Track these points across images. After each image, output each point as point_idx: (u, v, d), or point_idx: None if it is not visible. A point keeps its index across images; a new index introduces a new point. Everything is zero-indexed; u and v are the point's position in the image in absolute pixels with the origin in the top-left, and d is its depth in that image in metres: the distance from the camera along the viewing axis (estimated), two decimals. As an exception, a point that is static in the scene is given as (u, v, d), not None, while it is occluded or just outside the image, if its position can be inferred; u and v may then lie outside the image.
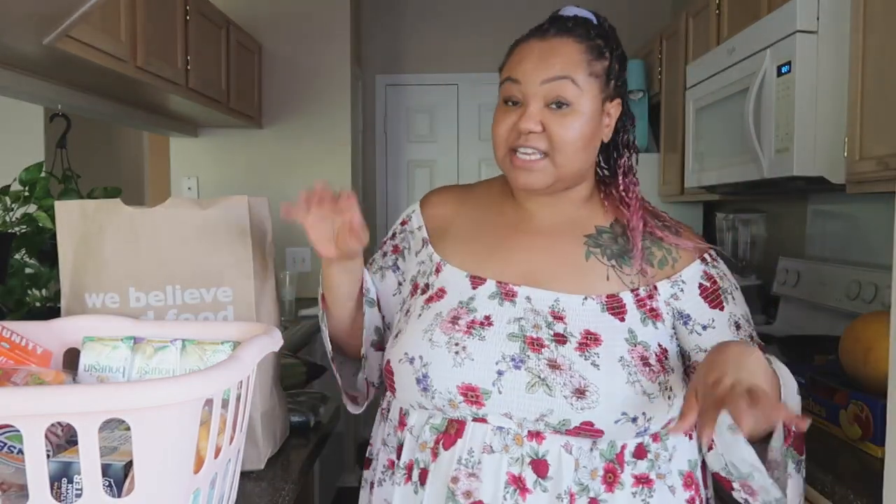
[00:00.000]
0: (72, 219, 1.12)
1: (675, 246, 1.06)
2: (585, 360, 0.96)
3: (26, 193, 1.64)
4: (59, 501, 0.73)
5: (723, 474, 0.90)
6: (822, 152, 1.70)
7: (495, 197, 1.15)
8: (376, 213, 4.14)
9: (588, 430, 0.95)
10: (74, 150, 2.23)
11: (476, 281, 1.05)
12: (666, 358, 1.01)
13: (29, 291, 1.67)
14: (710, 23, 2.49)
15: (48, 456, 0.70)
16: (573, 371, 0.95)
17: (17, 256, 1.66)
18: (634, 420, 0.96)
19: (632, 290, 1.03)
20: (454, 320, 1.01)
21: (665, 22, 3.58)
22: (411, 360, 1.01)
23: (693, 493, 1.03)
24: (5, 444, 0.79)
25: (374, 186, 4.19)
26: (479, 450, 0.97)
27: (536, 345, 0.98)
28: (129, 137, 3.53)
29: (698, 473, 1.05)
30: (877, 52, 1.53)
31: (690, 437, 1.05)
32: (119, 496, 0.72)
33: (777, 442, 0.92)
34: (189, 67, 2.44)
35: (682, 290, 1.04)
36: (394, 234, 1.20)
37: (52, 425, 0.78)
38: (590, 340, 0.98)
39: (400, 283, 1.16)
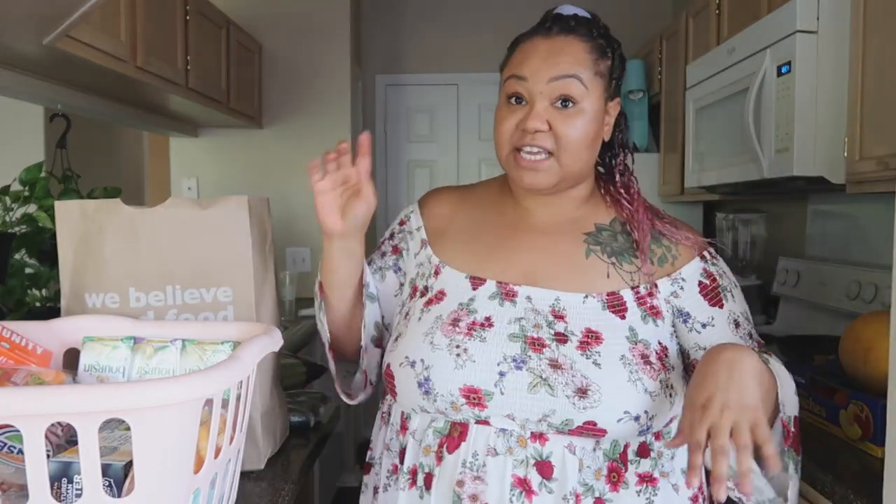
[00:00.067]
0: (72, 219, 1.12)
1: (675, 242, 1.06)
2: (587, 359, 0.96)
3: (26, 193, 1.64)
4: (59, 501, 0.73)
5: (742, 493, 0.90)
6: (822, 152, 1.70)
7: (494, 197, 1.15)
8: (376, 213, 4.11)
9: (591, 430, 0.95)
10: (74, 150, 2.23)
11: (476, 281, 1.05)
12: (666, 356, 1.01)
13: (29, 291, 1.67)
14: (710, 23, 2.49)
15: (48, 456, 0.69)
16: (575, 370, 0.95)
17: (17, 256, 1.66)
18: (637, 419, 0.96)
19: (632, 288, 1.03)
20: (455, 322, 1.01)
21: (665, 22, 3.58)
22: (412, 364, 1.01)
23: (696, 490, 1.03)
24: (5, 444, 0.79)
25: (374, 186, 4.18)
26: (483, 452, 0.97)
27: (537, 345, 0.98)
28: (129, 137, 3.53)
29: (701, 473, 1.05)
30: (877, 52, 1.53)
31: None
32: (119, 496, 0.72)
33: (774, 441, 0.92)
34: (189, 67, 2.44)
35: (681, 288, 1.04)
36: (392, 235, 1.19)
37: (52, 425, 0.78)
38: (591, 339, 0.98)
39: (402, 284, 1.15)
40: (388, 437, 1.08)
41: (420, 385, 0.99)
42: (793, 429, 0.93)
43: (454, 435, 0.99)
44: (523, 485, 0.95)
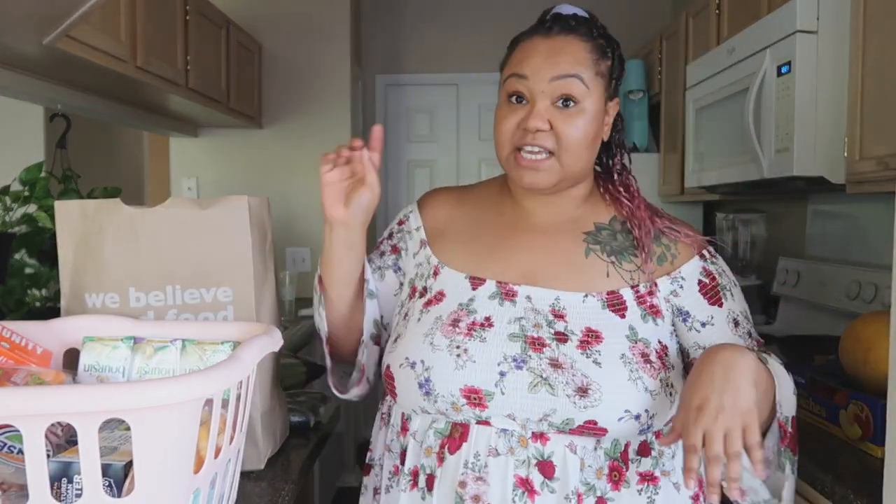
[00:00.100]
0: (72, 219, 1.12)
1: (674, 241, 1.07)
2: (587, 358, 0.96)
3: (26, 193, 1.64)
4: (59, 501, 0.73)
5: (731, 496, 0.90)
6: (822, 152, 1.70)
7: (493, 197, 1.15)
8: (376, 213, 4.12)
9: (592, 429, 0.95)
10: (74, 150, 2.23)
11: (475, 282, 1.05)
12: (666, 355, 1.01)
13: (29, 291, 1.67)
14: (710, 23, 2.49)
15: (48, 456, 0.69)
16: (575, 369, 0.95)
17: (17, 256, 1.66)
18: (637, 417, 0.96)
19: (632, 287, 1.03)
20: (455, 323, 1.01)
21: (665, 22, 3.58)
22: (412, 365, 1.00)
23: (697, 489, 1.03)
24: (5, 444, 0.79)
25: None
26: (484, 453, 0.97)
27: (537, 344, 0.98)
28: (129, 137, 3.53)
29: (702, 470, 1.05)
30: (877, 52, 1.53)
31: None
32: (119, 496, 0.72)
33: (770, 441, 0.92)
34: (189, 67, 2.44)
35: (681, 287, 1.04)
36: (391, 234, 1.19)
37: (52, 425, 0.78)
38: (591, 338, 0.98)
39: (401, 284, 1.15)
40: (389, 438, 1.08)
41: (420, 386, 0.99)
42: (790, 429, 0.93)
43: (455, 436, 0.99)
44: (525, 485, 0.95)
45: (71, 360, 1.03)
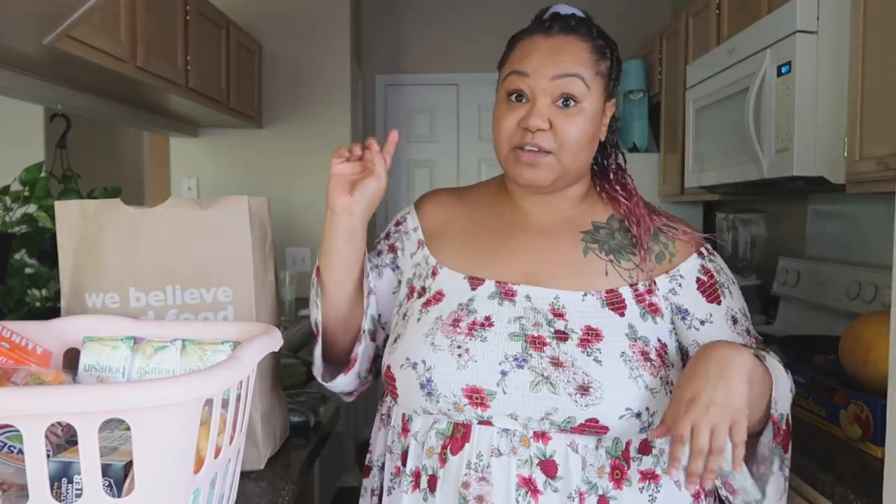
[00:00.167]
0: (72, 219, 1.12)
1: (672, 239, 1.07)
2: (587, 356, 0.96)
3: (26, 193, 1.65)
4: (59, 501, 0.73)
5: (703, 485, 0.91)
6: (822, 152, 1.70)
7: (491, 198, 1.15)
8: (376, 213, 4.12)
9: (593, 427, 0.95)
10: (74, 150, 2.23)
11: (475, 282, 1.05)
12: (665, 353, 1.01)
13: (29, 291, 1.68)
14: (710, 23, 2.49)
15: (48, 456, 0.70)
16: (576, 368, 0.95)
17: (17, 256, 1.66)
18: (638, 415, 0.96)
19: (631, 285, 1.03)
20: (455, 323, 1.01)
21: (665, 22, 3.58)
22: (414, 366, 1.00)
23: (697, 486, 1.03)
24: (5, 444, 0.79)
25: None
26: (487, 453, 0.97)
27: (538, 343, 0.98)
28: (129, 137, 3.53)
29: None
30: (877, 52, 1.53)
31: None
32: (119, 496, 0.72)
33: (767, 437, 0.93)
34: (189, 67, 2.44)
35: (679, 285, 1.04)
36: (388, 235, 1.19)
37: (52, 425, 0.78)
38: (591, 336, 0.98)
39: (400, 282, 1.15)
40: (390, 439, 1.08)
41: (422, 386, 0.99)
42: (783, 426, 0.94)
43: (457, 436, 0.99)
44: (528, 484, 0.95)
45: (71, 360, 1.03)
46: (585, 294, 1.02)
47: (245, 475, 1.13)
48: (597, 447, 0.97)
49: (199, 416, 0.72)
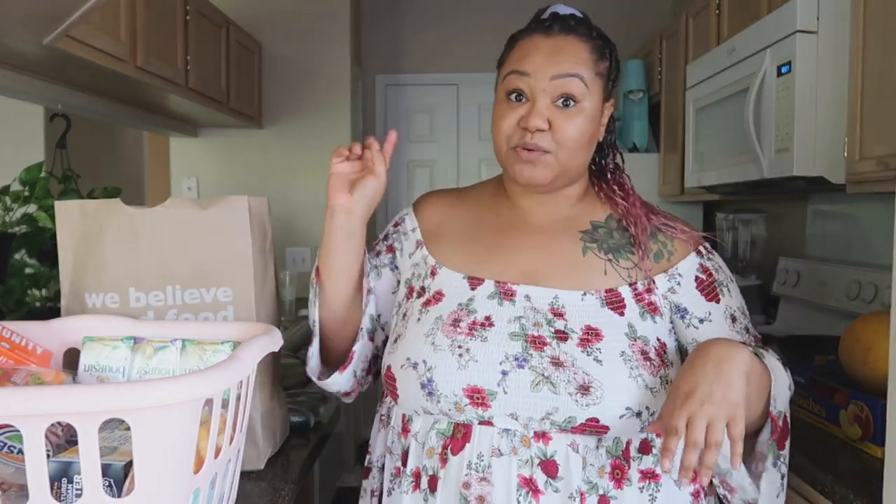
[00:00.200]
0: (72, 219, 1.12)
1: (670, 238, 1.07)
2: (588, 355, 0.96)
3: (26, 193, 1.65)
4: (59, 501, 0.73)
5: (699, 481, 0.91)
6: (822, 152, 1.70)
7: (489, 198, 1.15)
8: (376, 213, 4.13)
9: (593, 427, 0.95)
10: (74, 150, 2.23)
11: (474, 282, 1.05)
12: (665, 352, 1.02)
13: (29, 291, 1.68)
14: (710, 23, 2.49)
15: (48, 456, 0.70)
16: (576, 367, 0.95)
17: (17, 256, 1.66)
18: (639, 415, 0.96)
19: (630, 284, 1.03)
20: (455, 322, 1.01)
21: (665, 22, 3.58)
22: (414, 366, 1.00)
23: (697, 485, 1.03)
24: (5, 444, 0.79)
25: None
26: (487, 453, 0.97)
27: (538, 343, 0.98)
28: (129, 137, 3.53)
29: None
30: (877, 52, 1.53)
31: None
32: (119, 496, 0.72)
33: (765, 436, 0.93)
34: (189, 67, 2.44)
35: (678, 284, 1.05)
36: (386, 236, 1.19)
37: (52, 425, 0.78)
38: (591, 336, 0.98)
39: (399, 282, 1.15)
40: (390, 439, 1.07)
41: (423, 386, 0.99)
42: (780, 424, 0.94)
43: (458, 436, 0.99)
44: (529, 485, 0.95)
45: (71, 360, 1.03)
46: (585, 293, 1.02)
47: (245, 475, 1.13)
48: (597, 447, 0.97)
49: (199, 416, 0.72)
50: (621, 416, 0.95)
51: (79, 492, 0.72)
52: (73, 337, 1.03)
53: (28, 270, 1.69)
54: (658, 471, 1.00)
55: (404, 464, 1.03)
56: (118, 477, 0.73)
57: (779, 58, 1.79)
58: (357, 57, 3.77)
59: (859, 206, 2.16)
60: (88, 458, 0.67)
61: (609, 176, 1.13)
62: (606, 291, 1.02)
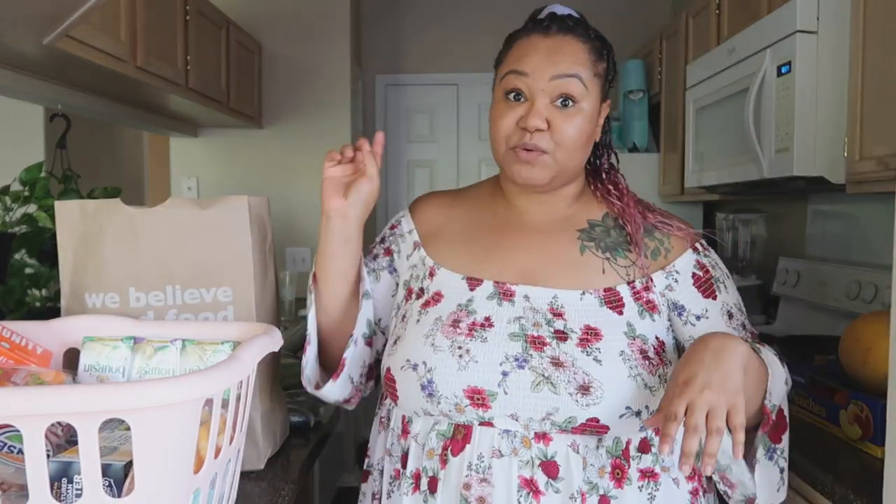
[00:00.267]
0: (72, 219, 1.12)
1: (667, 235, 1.07)
2: (587, 355, 0.96)
3: (26, 193, 1.65)
4: (59, 501, 0.73)
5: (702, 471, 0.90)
6: (822, 152, 1.70)
7: (486, 198, 1.15)
8: (376, 213, 4.14)
9: (594, 427, 0.95)
10: (74, 150, 2.23)
11: (473, 282, 1.05)
12: (663, 350, 1.02)
13: (29, 291, 1.68)
14: (710, 23, 2.49)
15: (48, 456, 0.70)
16: (576, 367, 0.95)
17: (17, 256, 1.66)
18: (638, 414, 0.96)
19: (628, 283, 1.03)
20: (455, 323, 1.01)
21: (665, 22, 3.58)
22: (414, 367, 1.00)
23: (696, 484, 1.04)
24: (5, 444, 0.79)
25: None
26: (488, 454, 0.97)
27: (538, 343, 0.98)
28: (129, 137, 3.53)
29: (699, 464, 1.05)
30: (877, 52, 1.53)
31: None
32: (119, 496, 0.72)
33: (762, 430, 0.93)
34: (189, 67, 2.44)
35: (676, 281, 1.05)
36: (383, 239, 1.18)
37: (52, 425, 0.78)
38: (590, 335, 0.98)
39: (398, 285, 1.15)
40: (389, 441, 1.07)
41: (423, 388, 0.99)
42: (773, 417, 0.94)
43: (458, 437, 0.99)
44: (530, 485, 0.95)
45: (71, 360, 1.03)
46: (583, 293, 1.02)
47: (245, 475, 1.13)
48: (597, 447, 0.97)
49: (199, 416, 0.72)
50: (621, 416, 0.95)
51: (79, 492, 0.72)
52: (73, 337, 1.03)
53: (28, 270, 1.69)
54: (657, 469, 1.00)
55: (404, 465, 1.03)
56: (118, 477, 0.73)
57: (779, 58, 1.79)
58: (357, 57, 3.77)
59: (859, 206, 2.16)
60: (88, 458, 0.67)
61: (604, 176, 1.13)
62: (605, 291, 1.02)
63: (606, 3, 3.85)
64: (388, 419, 1.09)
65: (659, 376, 0.99)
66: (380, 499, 1.08)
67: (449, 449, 0.99)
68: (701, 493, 1.04)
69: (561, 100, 1.01)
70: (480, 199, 1.16)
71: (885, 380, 1.00)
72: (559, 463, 0.96)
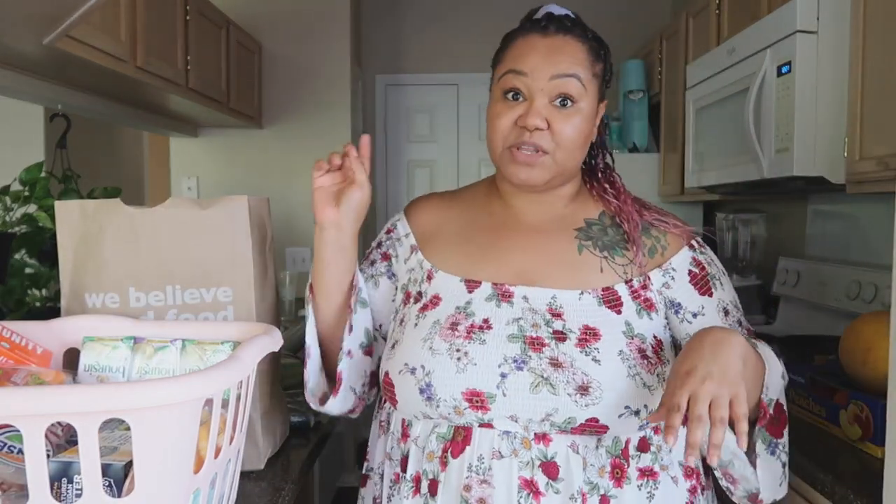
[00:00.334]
0: (72, 219, 1.12)
1: (663, 232, 1.07)
2: (586, 356, 0.96)
3: (26, 193, 1.65)
4: (59, 501, 0.73)
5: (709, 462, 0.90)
6: (822, 152, 1.70)
7: (482, 199, 1.15)
8: (376, 214, 4.15)
9: (593, 427, 0.95)
10: (74, 150, 2.23)
11: (471, 284, 1.05)
12: (661, 349, 1.02)
13: (29, 291, 1.68)
14: (710, 23, 2.50)
15: (48, 456, 0.70)
16: (575, 368, 0.95)
17: (17, 256, 1.66)
18: (637, 413, 0.96)
19: (626, 282, 1.03)
20: (453, 326, 1.01)
21: (665, 22, 3.58)
22: (412, 371, 1.00)
23: (694, 481, 1.04)
24: (5, 444, 0.79)
25: (374, 186, 4.17)
26: (488, 456, 0.97)
27: (537, 344, 0.98)
28: (129, 137, 3.53)
29: (698, 463, 1.06)
30: (877, 52, 1.53)
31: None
32: (119, 496, 0.72)
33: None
34: (189, 67, 2.44)
35: (672, 279, 1.05)
36: (380, 243, 1.17)
37: (52, 425, 0.78)
38: (589, 335, 0.98)
39: (397, 289, 1.14)
40: (389, 445, 1.07)
41: (422, 391, 0.99)
42: (771, 411, 0.94)
43: (458, 439, 0.98)
44: (530, 486, 0.95)
45: (71, 360, 1.03)
46: (582, 293, 1.02)
47: (245, 475, 1.14)
48: (597, 447, 0.97)
49: (199, 416, 0.72)
50: (620, 416, 0.95)
51: (79, 492, 0.72)
52: (73, 337, 1.03)
53: (28, 270, 1.69)
54: (656, 468, 1.00)
55: (404, 469, 1.03)
56: (118, 477, 0.73)
57: (779, 58, 1.79)
58: (357, 57, 3.78)
59: (859, 206, 2.16)
60: (88, 458, 0.68)
61: (600, 175, 1.13)
62: (603, 290, 1.02)
63: (606, 3, 3.85)
64: (388, 423, 1.08)
65: (657, 375, 0.99)
66: (380, 503, 1.08)
67: (449, 451, 0.99)
68: (699, 491, 1.04)
69: (560, 99, 1.01)
70: (476, 199, 1.16)
71: (885, 380, 1.00)
72: (559, 463, 0.96)
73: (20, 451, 0.77)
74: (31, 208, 1.64)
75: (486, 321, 1.00)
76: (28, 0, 1.35)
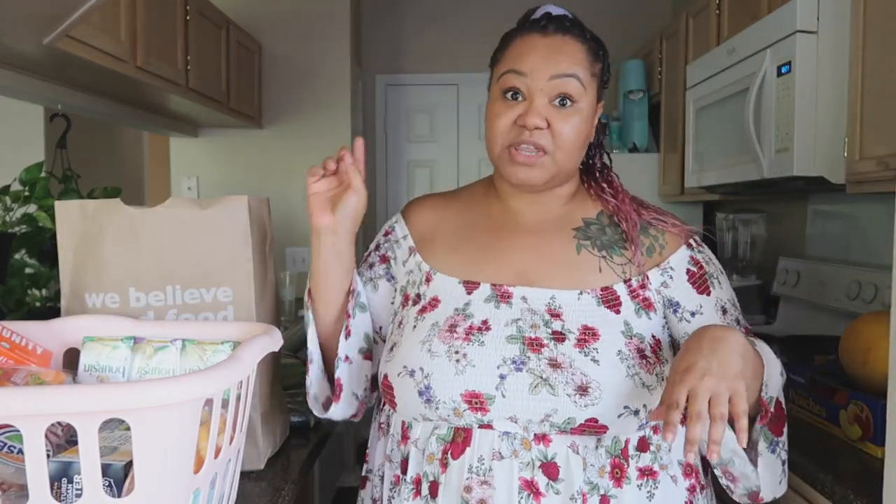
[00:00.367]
0: (72, 219, 1.12)
1: (661, 231, 1.07)
2: (585, 356, 0.96)
3: (26, 193, 1.64)
4: (59, 501, 0.73)
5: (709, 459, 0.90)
6: (822, 152, 1.70)
7: (479, 199, 1.15)
8: (376, 214, 4.15)
9: (593, 427, 0.95)
10: (74, 150, 2.23)
11: (470, 286, 1.04)
12: (660, 349, 1.02)
13: (29, 291, 1.68)
14: (710, 23, 2.50)
15: (48, 456, 0.70)
16: (574, 368, 0.95)
17: (17, 256, 1.66)
18: (637, 413, 0.96)
19: (624, 281, 1.03)
20: (452, 328, 1.00)
21: (665, 22, 3.58)
22: (411, 373, 1.00)
23: (693, 480, 1.04)
24: (5, 444, 0.79)
25: (373, 186, 4.19)
26: (488, 457, 0.97)
27: (536, 345, 0.98)
28: (129, 137, 3.53)
29: (697, 461, 1.06)
30: (877, 52, 1.53)
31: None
32: (119, 496, 0.72)
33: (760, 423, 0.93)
34: (189, 67, 2.44)
35: (670, 278, 1.05)
36: (378, 246, 1.17)
37: (52, 425, 0.78)
38: (588, 336, 0.98)
39: (396, 291, 1.14)
40: (389, 447, 1.07)
41: (421, 394, 0.98)
42: (771, 409, 0.94)
43: (458, 441, 0.98)
44: (531, 487, 0.95)
45: (71, 360, 1.03)
46: (581, 293, 1.02)
47: (245, 475, 1.13)
48: (597, 447, 0.98)
49: (199, 416, 0.72)
50: (620, 416, 0.95)
51: (79, 492, 0.72)
52: (73, 337, 1.03)
53: (28, 270, 1.69)
54: (655, 468, 1.00)
55: (404, 471, 1.03)
56: (118, 477, 0.73)
57: (779, 58, 1.79)
58: (357, 57, 3.77)
59: (859, 206, 2.16)
60: (88, 458, 0.68)
61: (597, 174, 1.13)
62: (602, 290, 1.02)
63: (606, 3, 3.85)
64: (388, 425, 1.08)
65: (656, 375, 0.99)
66: None
67: (449, 453, 0.99)
68: (698, 490, 1.04)
69: (559, 99, 1.01)
70: (474, 199, 1.16)
71: (885, 380, 1.00)
72: (559, 464, 0.96)
73: (20, 451, 0.77)
74: (31, 208, 1.64)
75: (484, 322, 1.00)
76: (28, 0, 1.35)
